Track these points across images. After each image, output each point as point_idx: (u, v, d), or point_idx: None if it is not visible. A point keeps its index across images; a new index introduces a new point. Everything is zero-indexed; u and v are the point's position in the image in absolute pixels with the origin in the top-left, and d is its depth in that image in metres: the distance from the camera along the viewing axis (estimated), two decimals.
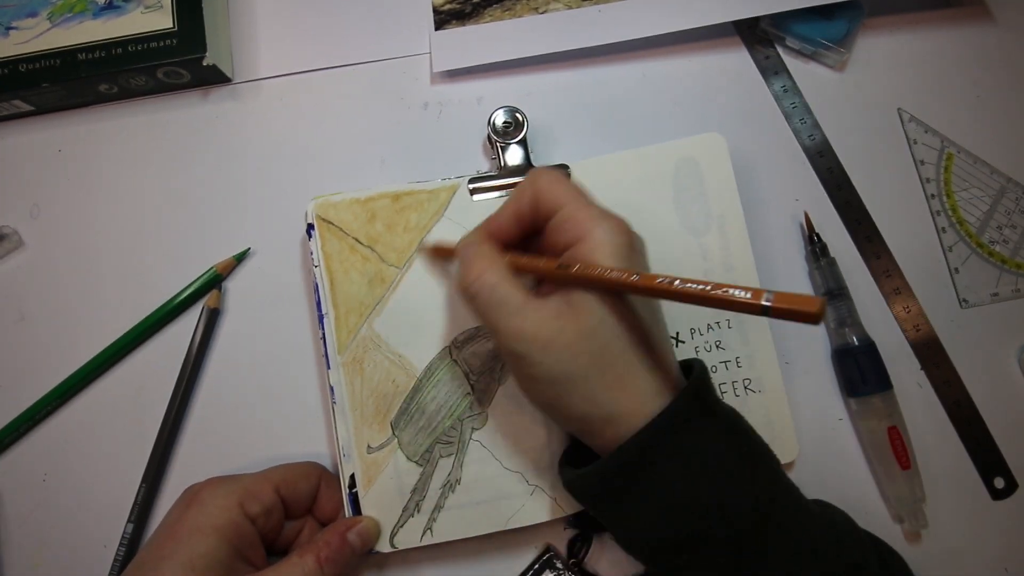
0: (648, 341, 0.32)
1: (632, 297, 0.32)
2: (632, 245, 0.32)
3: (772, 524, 0.31)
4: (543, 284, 0.34)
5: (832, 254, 0.43)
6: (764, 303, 0.26)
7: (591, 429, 0.32)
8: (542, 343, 0.30)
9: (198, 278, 0.44)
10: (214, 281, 0.44)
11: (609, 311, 0.31)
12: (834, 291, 0.42)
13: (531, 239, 0.35)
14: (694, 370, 0.32)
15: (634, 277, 0.29)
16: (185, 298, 0.43)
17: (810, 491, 0.34)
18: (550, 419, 0.36)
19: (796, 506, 0.32)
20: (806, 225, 0.44)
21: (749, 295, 0.26)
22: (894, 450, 0.40)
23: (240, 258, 0.44)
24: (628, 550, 0.34)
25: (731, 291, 0.27)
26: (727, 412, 0.32)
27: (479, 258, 0.33)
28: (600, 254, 0.31)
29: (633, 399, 0.31)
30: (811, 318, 0.25)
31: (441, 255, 0.40)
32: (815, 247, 0.43)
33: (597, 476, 0.32)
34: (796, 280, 0.44)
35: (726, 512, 0.30)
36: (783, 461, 0.39)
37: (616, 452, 0.30)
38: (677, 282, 0.28)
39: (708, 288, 0.27)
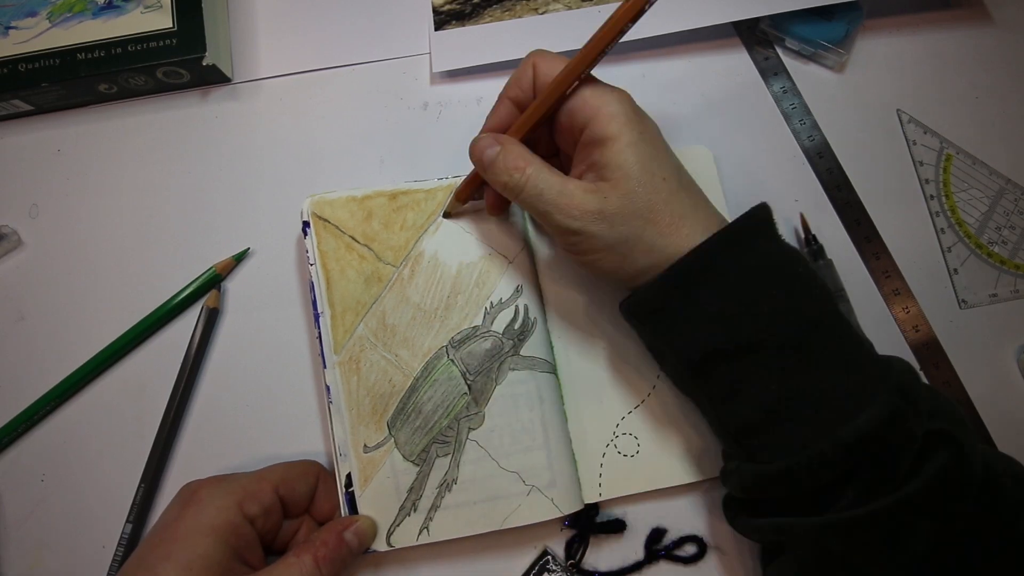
0: (684, 187, 0.35)
1: (660, 152, 0.35)
2: (636, 108, 0.35)
3: (824, 329, 0.32)
4: (573, 168, 0.36)
5: (831, 255, 0.43)
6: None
7: (650, 278, 0.34)
8: (593, 214, 0.33)
9: (197, 278, 0.44)
10: (213, 281, 0.44)
11: (642, 168, 0.33)
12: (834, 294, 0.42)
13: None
14: (758, 207, 0.35)
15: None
16: (184, 298, 0.43)
17: None
18: (616, 284, 0.37)
19: (846, 322, 0.33)
20: (802, 227, 0.44)
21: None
22: None
23: (239, 258, 0.44)
24: (679, 367, 0.35)
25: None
26: (787, 245, 0.34)
27: (509, 155, 0.35)
28: (616, 123, 0.33)
29: (689, 236, 0.33)
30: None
31: (469, 189, 0.40)
32: (812, 248, 0.43)
33: (658, 287, 0.34)
34: None
35: (779, 318, 0.32)
36: None
37: (680, 261, 0.33)
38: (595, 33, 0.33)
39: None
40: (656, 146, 0.35)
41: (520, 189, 0.35)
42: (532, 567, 0.40)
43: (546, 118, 0.36)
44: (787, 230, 0.44)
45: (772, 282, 0.33)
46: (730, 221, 0.34)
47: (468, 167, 0.45)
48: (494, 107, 0.38)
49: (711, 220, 0.34)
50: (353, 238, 0.41)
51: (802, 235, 0.44)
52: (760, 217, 0.34)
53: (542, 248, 0.42)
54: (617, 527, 0.40)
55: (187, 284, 0.44)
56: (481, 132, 0.38)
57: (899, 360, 0.33)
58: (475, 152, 0.37)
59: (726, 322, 0.32)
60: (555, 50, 0.45)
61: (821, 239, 0.44)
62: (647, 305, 0.35)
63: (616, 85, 0.45)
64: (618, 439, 0.40)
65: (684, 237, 0.33)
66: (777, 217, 0.44)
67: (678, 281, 0.33)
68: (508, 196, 0.36)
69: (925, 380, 0.36)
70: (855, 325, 0.36)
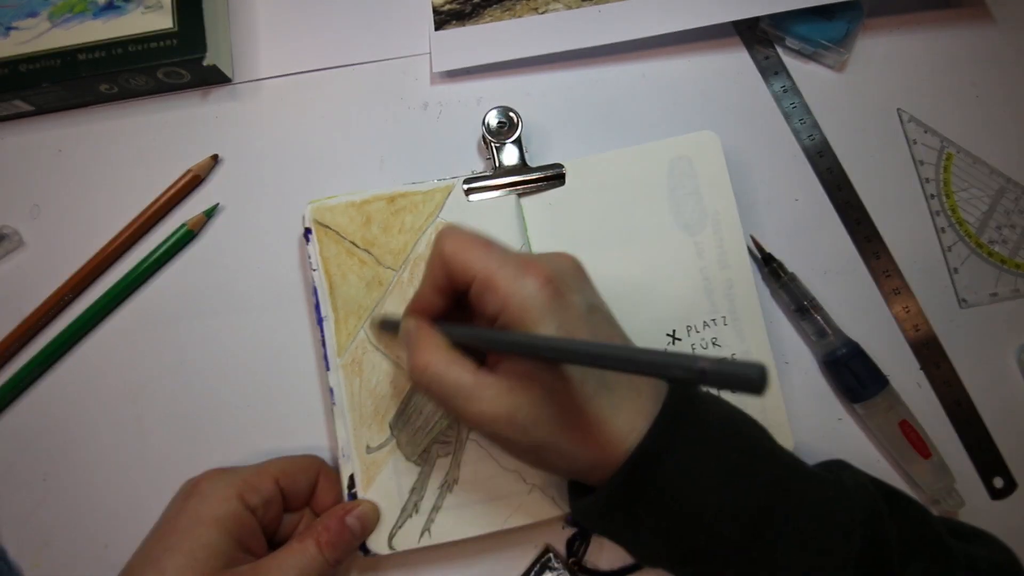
0: (608, 381, 0.31)
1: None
2: (559, 291, 0.30)
3: (779, 514, 0.30)
4: (489, 355, 0.32)
5: (831, 254, 0.43)
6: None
7: (582, 478, 0.33)
8: (504, 420, 0.30)
9: (170, 236, 0.44)
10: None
11: (556, 373, 0.30)
12: (803, 307, 0.42)
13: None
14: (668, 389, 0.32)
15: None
16: (160, 255, 0.44)
17: None
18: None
19: (802, 485, 0.31)
20: (756, 248, 0.43)
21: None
22: (911, 442, 0.40)
23: (209, 214, 0.45)
24: (649, 565, 0.35)
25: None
26: (716, 413, 0.32)
27: (420, 347, 0.32)
28: (529, 319, 0.29)
29: (608, 444, 0.30)
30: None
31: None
32: (771, 267, 0.43)
33: (596, 508, 0.32)
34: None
35: (729, 514, 0.30)
36: None
37: (607, 484, 0.30)
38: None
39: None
40: (578, 332, 0.30)
41: (427, 385, 0.31)
42: (533, 565, 0.40)
43: (447, 299, 0.33)
44: (788, 230, 0.44)
45: (708, 481, 0.30)
46: (654, 414, 0.30)
47: (467, 168, 0.45)
48: (419, 288, 0.34)
49: (637, 415, 0.30)
50: (353, 243, 0.41)
51: (758, 255, 0.43)
52: (681, 401, 0.31)
53: (541, 247, 0.42)
54: None
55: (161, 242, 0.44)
56: (406, 310, 0.35)
57: (857, 488, 0.32)
58: (400, 332, 0.34)
59: (673, 536, 0.30)
60: (555, 50, 0.46)
61: (821, 239, 0.44)
62: (588, 521, 0.34)
63: (616, 91, 0.45)
64: None
65: (605, 444, 0.30)
66: (778, 217, 0.45)
67: (608, 505, 0.31)
68: (420, 391, 0.34)
69: (868, 474, 0.35)
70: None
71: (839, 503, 0.32)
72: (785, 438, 0.40)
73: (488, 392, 0.30)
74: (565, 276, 0.31)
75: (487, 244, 0.32)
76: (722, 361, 0.21)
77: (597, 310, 0.32)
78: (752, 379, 0.20)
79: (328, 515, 0.37)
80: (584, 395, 0.30)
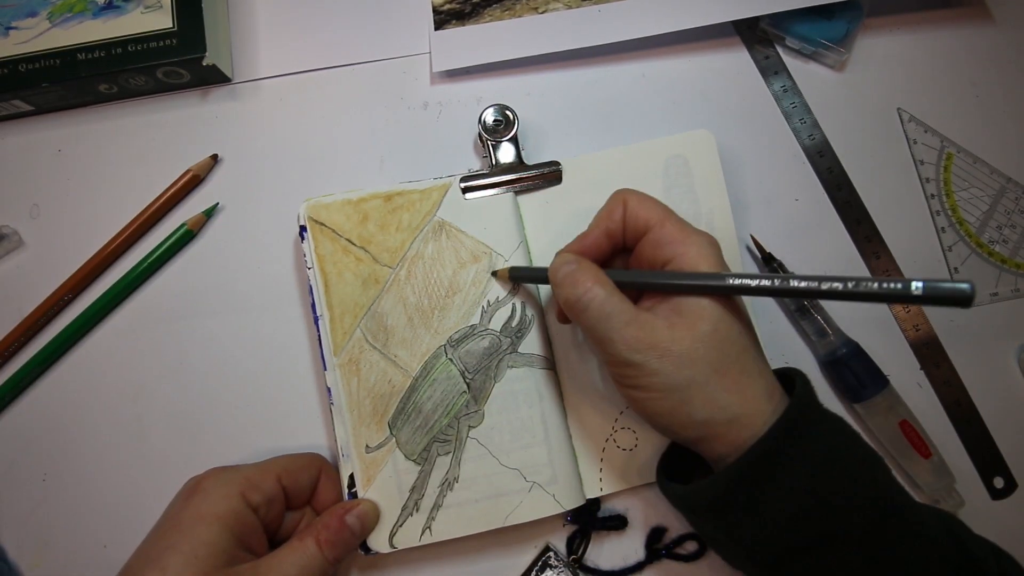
0: (756, 343, 0.33)
1: (739, 300, 0.33)
2: (721, 256, 0.33)
3: (897, 520, 0.30)
4: (642, 299, 0.34)
5: (830, 255, 0.43)
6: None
7: (713, 433, 0.32)
8: (660, 351, 0.31)
9: (169, 236, 0.44)
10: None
11: (721, 315, 0.32)
12: (803, 306, 0.42)
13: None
14: (797, 379, 0.33)
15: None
16: (160, 255, 0.44)
17: None
18: (662, 430, 0.34)
19: (913, 505, 0.32)
20: (756, 248, 0.43)
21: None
22: (911, 443, 0.40)
23: (209, 213, 0.45)
24: (745, 561, 0.33)
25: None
26: (835, 417, 0.33)
27: (583, 273, 0.33)
28: (704, 264, 0.32)
29: (752, 401, 0.31)
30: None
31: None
32: (772, 267, 0.43)
33: (724, 483, 0.31)
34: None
35: (855, 510, 0.30)
36: None
37: (745, 455, 0.30)
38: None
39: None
40: (735, 296, 0.33)
41: (585, 307, 0.32)
42: (534, 563, 0.40)
43: (613, 245, 0.36)
44: (788, 231, 0.44)
45: (841, 472, 0.30)
46: (787, 400, 0.32)
47: (468, 166, 0.45)
48: (585, 232, 0.36)
49: (773, 388, 0.32)
50: (350, 241, 0.41)
51: (759, 255, 0.43)
52: (807, 396, 0.32)
53: (538, 245, 0.42)
54: (618, 523, 0.40)
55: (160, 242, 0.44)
56: (563, 250, 0.36)
57: (948, 518, 0.33)
58: (551, 268, 0.35)
59: (801, 520, 0.30)
60: (555, 49, 0.46)
61: (821, 239, 0.44)
62: (709, 501, 0.32)
63: (615, 91, 0.45)
64: (617, 433, 0.40)
65: (749, 400, 0.31)
66: (778, 216, 0.45)
67: (745, 478, 0.31)
68: (571, 315, 0.34)
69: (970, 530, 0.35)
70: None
71: (950, 529, 0.33)
72: None
73: (648, 322, 0.31)
74: (722, 255, 0.34)
75: (665, 205, 0.35)
76: (937, 282, 0.25)
77: None
78: (965, 294, 0.25)
79: (328, 514, 0.37)
80: (740, 346, 0.32)
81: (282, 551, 0.35)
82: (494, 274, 0.41)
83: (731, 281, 0.31)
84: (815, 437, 0.31)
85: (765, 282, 0.30)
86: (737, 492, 0.31)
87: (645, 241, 0.34)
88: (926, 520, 0.32)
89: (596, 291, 0.32)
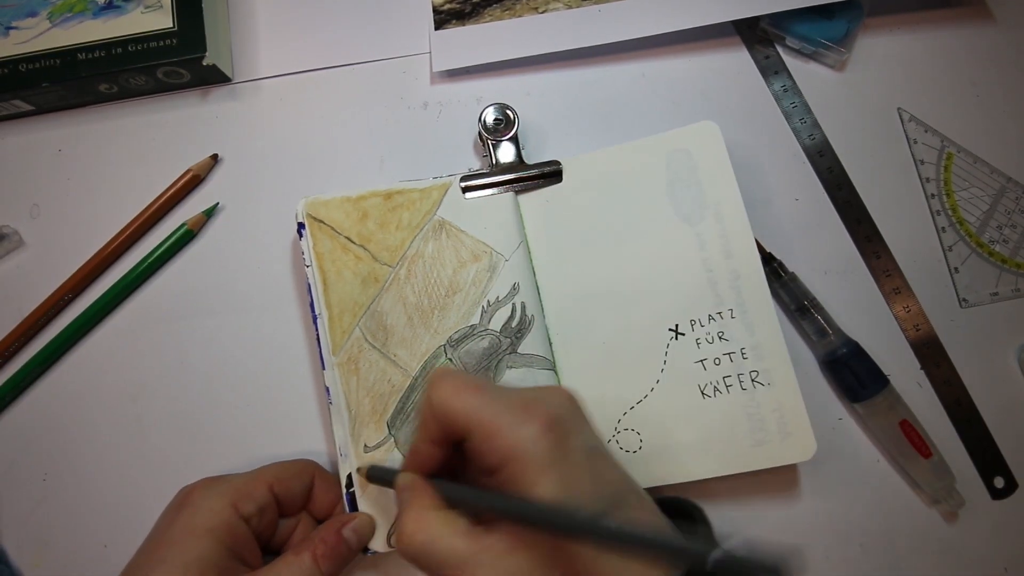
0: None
1: (588, 487, 0.28)
2: (560, 437, 0.28)
3: None
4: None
5: (830, 255, 0.43)
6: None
7: None
8: None
9: (169, 236, 0.44)
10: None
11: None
12: (803, 306, 0.42)
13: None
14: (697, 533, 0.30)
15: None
16: (160, 255, 0.44)
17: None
18: None
19: None
20: (756, 248, 0.42)
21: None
22: (912, 442, 0.40)
23: (209, 213, 0.45)
24: None
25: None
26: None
27: (408, 513, 0.30)
28: (531, 471, 0.27)
29: None
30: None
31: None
32: (772, 267, 0.42)
33: None
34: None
35: None
36: (799, 460, 0.38)
37: None
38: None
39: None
40: (581, 481, 0.28)
41: (412, 560, 0.29)
42: None
43: (445, 449, 0.31)
44: (788, 231, 0.44)
45: None
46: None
47: (468, 166, 0.45)
48: (414, 445, 0.32)
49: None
50: (349, 239, 0.41)
51: (759, 255, 0.42)
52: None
53: (539, 245, 0.42)
54: None
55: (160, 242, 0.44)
56: (402, 465, 0.33)
57: None
58: (396, 488, 0.32)
59: None
60: (555, 49, 0.46)
61: (821, 238, 0.44)
62: None
63: (616, 90, 0.44)
64: (620, 435, 0.40)
65: None
66: (778, 216, 0.44)
67: None
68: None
69: None
70: None
71: None
72: (804, 434, 0.38)
73: (485, 557, 0.28)
74: (565, 417, 0.30)
75: (480, 388, 0.30)
76: (738, 555, 0.20)
77: (597, 451, 0.30)
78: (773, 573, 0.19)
79: (325, 527, 0.36)
80: (589, 556, 0.27)
81: (277, 564, 0.34)
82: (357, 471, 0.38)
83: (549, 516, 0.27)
84: None
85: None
86: None
87: (468, 447, 0.30)
88: None
89: (417, 539, 0.29)
